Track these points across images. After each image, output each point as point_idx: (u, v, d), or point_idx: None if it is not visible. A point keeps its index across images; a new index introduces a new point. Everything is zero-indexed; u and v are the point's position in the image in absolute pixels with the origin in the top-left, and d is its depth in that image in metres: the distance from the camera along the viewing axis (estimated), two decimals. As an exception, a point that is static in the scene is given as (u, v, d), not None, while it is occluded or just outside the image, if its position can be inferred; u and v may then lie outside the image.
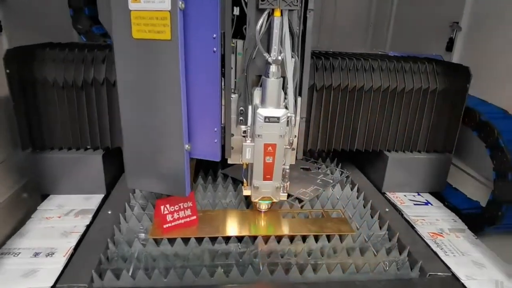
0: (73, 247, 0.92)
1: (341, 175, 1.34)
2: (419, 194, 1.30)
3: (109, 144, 1.15)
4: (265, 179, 0.93)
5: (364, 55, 1.24)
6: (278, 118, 0.85)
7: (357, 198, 1.21)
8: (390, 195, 1.27)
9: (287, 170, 0.95)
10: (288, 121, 0.88)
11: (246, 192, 0.99)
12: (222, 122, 0.94)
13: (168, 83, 0.80)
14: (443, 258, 0.95)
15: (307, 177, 1.29)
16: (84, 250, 0.91)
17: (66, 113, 1.09)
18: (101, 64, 1.08)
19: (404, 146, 1.25)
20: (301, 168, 1.36)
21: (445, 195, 1.32)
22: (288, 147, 0.92)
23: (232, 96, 0.93)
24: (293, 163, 0.99)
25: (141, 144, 0.88)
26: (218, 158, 0.93)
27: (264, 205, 1.03)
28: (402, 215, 1.16)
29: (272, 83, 0.85)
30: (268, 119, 0.85)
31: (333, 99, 1.15)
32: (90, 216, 1.05)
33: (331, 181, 1.26)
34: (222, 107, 0.93)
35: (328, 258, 0.92)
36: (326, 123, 1.17)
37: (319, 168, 1.39)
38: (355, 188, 1.25)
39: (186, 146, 0.85)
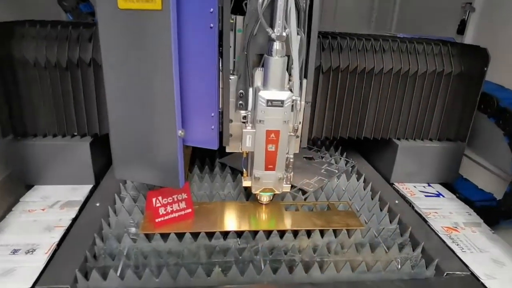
0: (56, 243, 0.84)
1: (346, 164, 1.27)
2: (429, 185, 1.22)
3: (98, 131, 1.06)
4: (267, 169, 0.85)
5: (373, 36, 1.15)
6: (282, 101, 0.77)
7: (364, 189, 1.13)
8: (399, 186, 1.19)
9: (291, 160, 0.87)
10: (293, 105, 0.79)
11: (246, 183, 0.91)
12: (220, 107, 0.86)
13: (158, 60, 0.71)
14: (459, 255, 0.88)
15: (311, 167, 1.21)
16: (69, 246, 0.83)
17: (49, 96, 1.00)
18: (88, 42, 0.98)
19: (415, 134, 1.17)
20: (303, 157, 1.28)
21: (456, 186, 1.25)
22: (293, 134, 0.84)
23: (230, 77, 0.84)
24: (297, 151, 0.91)
25: (130, 130, 0.79)
26: (215, 146, 0.85)
27: (265, 197, 0.95)
28: (413, 207, 1.08)
29: (276, 62, 0.76)
30: (271, 103, 0.77)
31: (341, 82, 1.06)
32: (76, 209, 0.97)
33: (336, 171, 1.18)
34: (220, 90, 0.85)
35: (336, 255, 0.85)
36: (332, 108, 1.09)
37: (322, 157, 1.30)
38: (362, 179, 1.17)
39: (179, 132, 0.76)
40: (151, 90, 0.74)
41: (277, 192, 0.90)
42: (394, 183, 1.20)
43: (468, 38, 1.44)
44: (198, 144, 0.85)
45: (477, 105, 1.11)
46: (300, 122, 0.88)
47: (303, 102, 0.86)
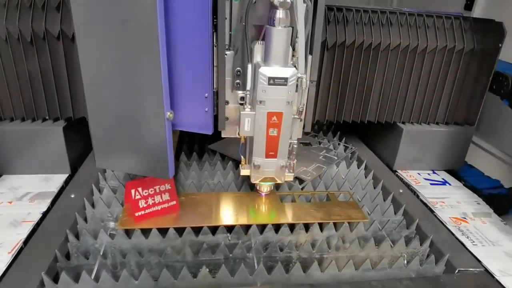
0: (23, 240, 0.75)
1: (345, 150, 1.18)
2: (434, 172, 1.14)
3: (71, 114, 0.95)
4: (268, 156, 0.76)
5: (380, 9, 1.04)
6: (286, 79, 0.68)
7: (366, 177, 1.04)
8: (402, 173, 1.11)
9: (294, 146, 0.79)
10: (297, 83, 0.70)
11: (244, 171, 0.83)
12: (214, 87, 0.77)
13: (142, 32, 0.61)
14: (470, 249, 0.81)
15: (308, 153, 1.11)
16: (37, 244, 0.74)
17: (13, 74, 0.88)
18: (55, 12, 0.86)
19: (421, 118, 1.08)
20: (300, 142, 1.19)
21: (461, 172, 1.18)
22: (297, 116, 0.75)
23: (226, 53, 0.75)
24: (300, 137, 0.82)
25: (111, 114, 0.70)
26: (209, 131, 0.77)
27: (266, 188, 0.86)
28: (418, 196, 1.00)
29: (279, 33, 0.67)
30: (273, 81, 0.68)
31: (346, 60, 0.96)
32: (48, 201, 0.87)
33: (335, 158, 1.10)
34: (214, 68, 0.75)
35: (337, 251, 0.77)
36: (337, 89, 0.99)
37: (320, 143, 1.21)
38: (363, 166, 1.08)
39: (168, 114, 0.67)
40: (134, 67, 0.64)
41: (279, 181, 0.82)
42: (397, 171, 1.12)
43: (477, 14, 1.33)
44: (190, 128, 0.76)
45: (489, 85, 1.02)
46: (304, 104, 0.79)
47: (308, 81, 0.77)
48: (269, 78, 0.68)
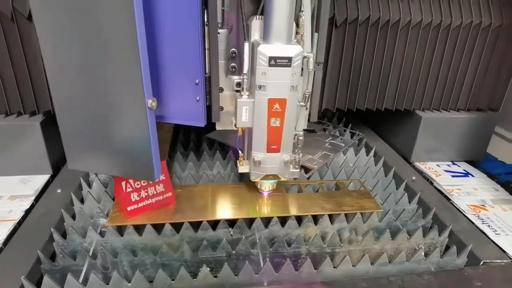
0: (2, 241, 0.68)
1: (352, 137, 1.10)
2: (454, 164, 1.07)
3: (50, 107, 0.87)
4: (269, 150, 0.68)
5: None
6: (290, 59, 0.59)
7: (376, 164, 0.97)
8: (420, 165, 1.03)
9: (300, 138, 0.71)
10: (303, 64, 0.62)
11: (243, 168, 0.74)
12: (207, 72, 0.69)
13: (113, 5, 0.52)
14: (493, 238, 0.75)
15: (313, 141, 1.04)
16: (17, 245, 0.67)
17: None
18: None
19: (442, 104, 1.00)
20: (303, 129, 1.11)
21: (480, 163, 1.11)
22: (303, 103, 0.67)
23: (219, 31, 0.66)
24: (305, 127, 0.74)
25: (81, 107, 0.60)
26: (202, 123, 0.69)
27: (268, 186, 0.77)
28: (432, 183, 0.94)
29: (281, 4, 0.58)
30: (274, 61, 0.59)
31: (358, 39, 0.87)
32: (31, 199, 0.79)
33: (342, 145, 1.02)
34: (206, 51, 0.67)
35: (350, 244, 0.70)
36: (348, 73, 0.91)
37: (325, 130, 1.14)
38: (372, 152, 1.01)
39: (149, 101, 0.56)
40: (106, 45, 0.55)
41: (283, 179, 0.73)
42: (415, 163, 1.04)
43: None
44: (180, 120, 0.69)
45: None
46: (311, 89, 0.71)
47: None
48: (270, 58, 0.59)
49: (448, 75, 0.96)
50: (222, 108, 0.72)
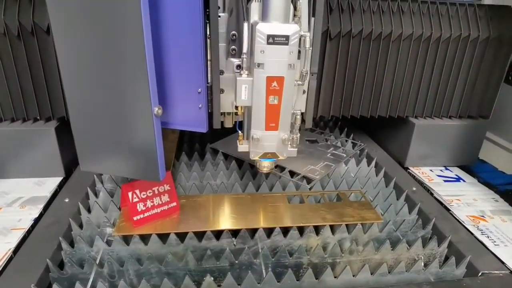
0: (12, 249, 0.69)
1: (354, 147, 1.12)
2: (447, 169, 1.09)
3: (64, 113, 0.90)
4: (268, 128, 0.69)
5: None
6: (287, 37, 0.61)
7: (377, 175, 0.99)
8: (414, 170, 1.06)
9: (298, 117, 0.71)
10: (300, 42, 0.63)
11: (242, 147, 0.75)
12: (209, 81, 0.71)
13: (124, 18, 0.55)
14: (492, 249, 0.75)
15: (315, 151, 1.06)
16: (27, 253, 0.69)
17: (0, 72, 0.83)
18: (44, 3, 0.80)
19: (434, 111, 1.02)
20: (306, 140, 1.14)
21: (473, 168, 1.12)
22: (301, 82, 0.68)
23: (220, 15, 0.68)
24: (303, 110, 0.75)
25: (94, 112, 0.64)
26: (204, 129, 0.71)
27: (266, 165, 0.78)
28: (432, 194, 0.95)
29: None
30: (272, 39, 0.61)
31: (352, 51, 0.90)
32: (40, 207, 0.82)
33: (344, 155, 1.04)
34: (208, 62, 0.70)
35: (350, 254, 0.71)
36: (342, 82, 0.93)
37: (327, 140, 1.16)
38: (373, 163, 1.03)
39: (155, 109, 0.60)
40: (117, 58, 0.58)
41: (281, 157, 0.73)
42: (409, 168, 1.06)
43: (487, 2, 1.28)
44: (183, 126, 0.71)
45: (505, 76, 0.97)
46: (309, 73, 0.72)
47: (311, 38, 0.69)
48: (268, 36, 0.60)
49: (439, 84, 0.99)
50: (222, 91, 0.74)
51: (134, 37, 0.55)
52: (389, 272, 0.68)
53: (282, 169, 0.94)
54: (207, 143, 1.09)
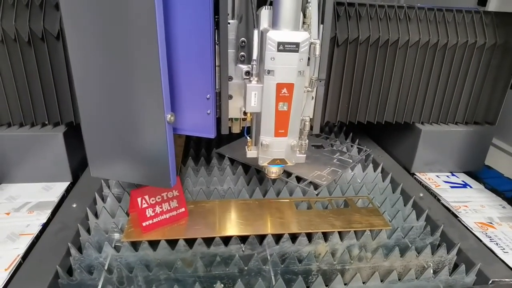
0: (21, 255, 0.69)
1: (359, 153, 1.12)
2: (453, 175, 1.09)
3: (73, 118, 0.90)
4: (277, 134, 0.69)
5: (397, 4, 1.00)
6: (297, 44, 0.61)
7: (383, 181, 0.99)
8: (421, 176, 1.06)
9: (307, 123, 0.71)
10: (310, 50, 0.63)
11: (251, 153, 0.75)
12: (217, 87, 0.71)
13: (139, 25, 0.55)
14: (502, 257, 0.75)
15: (321, 157, 1.06)
16: (36, 259, 0.69)
17: (10, 77, 0.83)
18: (54, 10, 0.81)
19: (440, 117, 1.03)
20: (312, 145, 1.14)
21: (480, 174, 1.12)
22: (310, 89, 0.68)
23: (229, 21, 0.69)
24: (311, 116, 0.76)
25: (105, 118, 0.64)
26: (212, 134, 0.71)
27: (274, 171, 0.78)
28: (439, 200, 0.95)
29: None
30: (282, 47, 0.61)
31: (359, 57, 0.90)
32: (48, 212, 0.82)
33: (350, 161, 1.04)
34: (217, 68, 0.70)
35: (359, 261, 0.71)
36: (349, 88, 0.94)
37: (332, 145, 1.16)
38: (379, 169, 1.03)
39: (168, 116, 0.61)
40: (131, 65, 0.58)
41: (290, 163, 0.73)
42: (415, 173, 1.06)
43: (491, 9, 1.28)
44: (192, 132, 0.71)
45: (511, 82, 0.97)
46: (317, 79, 0.71)
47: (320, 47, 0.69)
48: (279, 44, 0.61)
49: (445, 90, 0.99)
50: (231, 97, 0.74)
51: (148, 46, 0.55)
52: (399, 280, 0.68)
53: (289, 174, 0.94)
54: (213, 148, 1.09)
